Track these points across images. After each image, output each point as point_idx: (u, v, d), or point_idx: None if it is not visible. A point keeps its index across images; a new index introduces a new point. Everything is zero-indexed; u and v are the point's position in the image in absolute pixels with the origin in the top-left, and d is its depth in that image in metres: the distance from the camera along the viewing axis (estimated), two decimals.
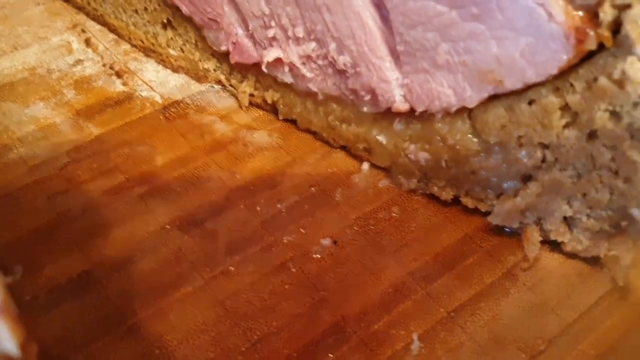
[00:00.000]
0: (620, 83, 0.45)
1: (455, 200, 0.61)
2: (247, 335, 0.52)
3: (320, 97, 0.63)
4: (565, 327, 0.53)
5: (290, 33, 0.60)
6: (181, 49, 0.74)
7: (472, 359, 0.51)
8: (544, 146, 0.52)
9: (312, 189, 0.64)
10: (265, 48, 0.63)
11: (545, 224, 0.56)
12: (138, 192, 0.63)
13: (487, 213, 0.59)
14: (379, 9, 0.54)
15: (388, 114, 0.60)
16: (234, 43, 0.66)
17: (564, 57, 0.46)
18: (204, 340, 0.52)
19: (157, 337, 0.52)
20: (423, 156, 0.59)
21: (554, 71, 0.47)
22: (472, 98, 0.52)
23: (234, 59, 0.67)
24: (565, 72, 0.48)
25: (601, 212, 0.53)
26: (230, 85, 0.72)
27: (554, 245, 0.58)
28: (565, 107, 0.49)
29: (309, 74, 0.62)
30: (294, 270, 0.57)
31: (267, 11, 0.60)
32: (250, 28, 0.63)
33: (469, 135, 0.55)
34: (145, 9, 0.75)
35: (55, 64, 0.77)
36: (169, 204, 0.62)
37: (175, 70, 0.76)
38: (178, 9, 0.69)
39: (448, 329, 0.53)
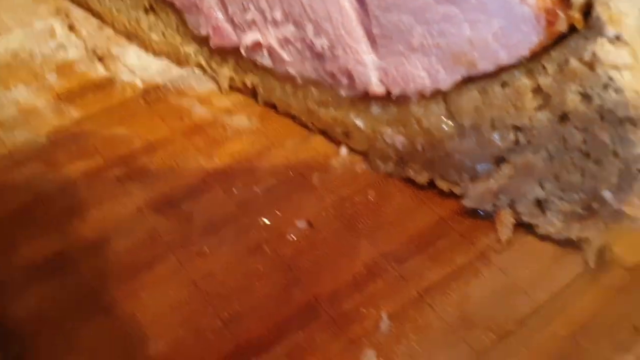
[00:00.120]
0: (591, 65, 0.46)
1: (431, 184, 0.62)
2: (219, 315, 0.53)
3: (299, 80, 0.64)
4: (536, 308, 0.54)
5: (268, 16, 0.60)
6: (163, 33, 0.75)
7: (440, 337, 0.52)
8: (517, 128, 0.53)
9: (290, 172, 0.64)
10: (244, 31, 0.64)
11: (518, 206, 0.57)
12: (116, 174, 0.63)
13: (462, 196, 0.59)
14: None
15: (365, 98, 0.60)
16: (213, 27, 0.66)
17: (535, 39, 0.46)
18: (176, 319, 0.52)
19: (129, 315, 0.53)
20: (399, 140, 0.60)
21: (526, 53, 0.48)
22: (446, 81, 0.53)
23: (214, 42, 0.67)
24: (538, 55, 0.48)
25: (573, 194, 0.54)
26: (211, 69, 0.72)
27: (528, 228, 0.58)
28: (537, 90, 0.50)
29: (287, 58, 0.62)
30: (268, 251, 0.57)
31: None
32: (229, 12, 0.63)
33: (444, 118, 0.56)
34: None
35: (38, 49, 0.78)
36: (146, 186, 0.62)
37: (157, 54, 0.76)
38: None
39: (418, 309, 0.53)
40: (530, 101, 0.50)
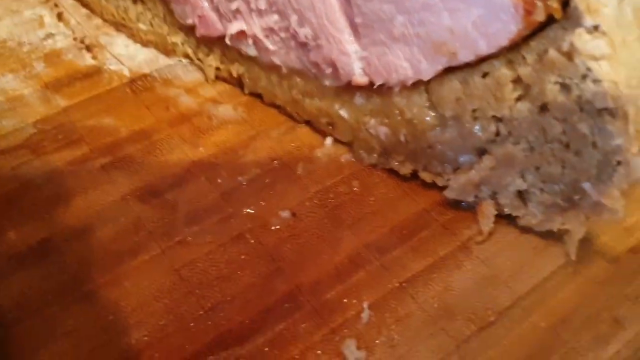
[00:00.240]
0: (569, 55, 0.46)
1: (414, 175, 0.62)
2: (201, 303, 0.53)
3: (284, 70, 0.64)
4: (517, 300, 0.54)
5: (252, 5, 0.60)
6: (150, 23, 0.75)
7: (421, 327, 0.52)
8: (498, 119, 0.53)
9: (275, 162, 0.64)
10: (229, 21, 0.64)
11: (500, 198, 0.57)
12: (101, 163, 0.63)
13: (445, 187, 0.59)
14: None
15: (349, 88, 0.60)
16: (199, 16, 0.66)
17: (513, 28, 0.46)
18: (158, 307, 0.53)
19: (112, 303, 0.53)
20: (383, 130, 0.60)
21: (505, 43, 0.48)
22: (427, 70, 0.53)
23: (200, 32, 0.67)
24: (518, 45, 0.48)
25: (554, 185, 0.54)
26: (198, 59, 0.72)
27: (509, 219, 0.58)
28: (517, 80, 0.50)
29: (272, 47, 0.62)
30: (251, 241, 0.57)
31: None
32: (214, 1, 0.63)
33: (426, 109, 0.56)
34: None
35: (26, 37, 0.78)
36: (131, 174, 0.62)
37: (144, 44, 0.76)
38: None
39: (399, 299, 0.54)
40: (511, 92, 0.50)
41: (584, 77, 0.46)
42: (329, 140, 0.66)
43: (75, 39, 0.77)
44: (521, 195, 0.56)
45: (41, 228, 0.58)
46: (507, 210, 0.57)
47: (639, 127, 0.50)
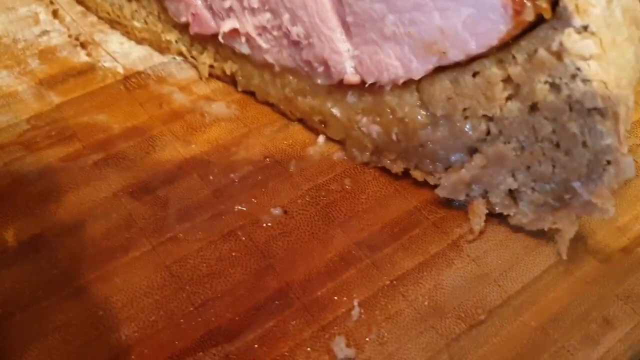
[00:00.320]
0: (558, 55, 0.46)
1: (406, 174, 0.62)
2: (191, 299, 0.53)
3: (277, 68, 0.64)
4: (507, 298, 0.54)
5: (245, 4, 0.60)
6: (145, 20, 0.75)
7: (411, 325, 0.52)
8: (488, 118, 0.53)
9: (267, 160, 0.64)
10: (222, 19, 0.64)
11: (491, 196, 0.57)
12: (93, 159, 0.64)
13: (436, 186, 0.60)
14: None
15: (341, 87, 0.60)
16: (193, 14, 0.66)
17: (503, 27, 0.47)
18: (148, 303, 0.53)
19: (102, 298, 0.53)
20: (375, 129, 0.60)
21: (494, 42, 0.48)
22: (418, 70, 0.53)
23: (193, 30, 0.68)
24: (508, 44, 0.49)
25: (545, 185, 0.54)
26: (191, 57, 0.73)
27: (501, 218, 0.58)
28: (507, 80, 0.50)
29: (265, 45, 0.62)
30: (242, 238, 0.58)
31: None
32: None
33: (417, 108, 0.56)
34: None
35: (21, 34, 0.78)
36: (123, 171, 0.62)
37: (139, 42, 0.76)
38: None
39: (389, 297, 0.54)
40: (501, 91, 0.50)
41: (574, 76, 0.46)
42: (321, 138, 0.66)
43: (70, 36, 0.77)
44: (512, 194, 0.56)
45: (33, 224, 0.58)
46: (498, 209, 0.57)
47: (629, 127, 0.50)
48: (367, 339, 0.51)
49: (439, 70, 0.52)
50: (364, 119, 0.60)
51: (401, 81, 0.55)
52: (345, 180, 0.63)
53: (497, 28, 0.47)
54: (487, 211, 0.58)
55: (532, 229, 0.57)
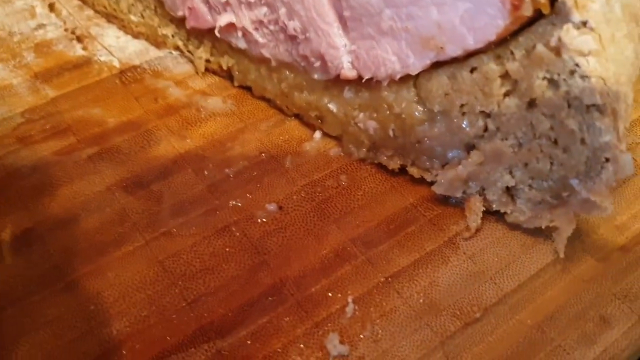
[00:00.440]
0: (557, 50, 0.46)
1: (403, 170, 0.61)
2: (184, 295, 0.53)
3: (274, 63, 0.63)
4: (503, 297, 0.54)
5: None
6: (141, 14, 0.74)
7: (405, 323, 0.52)
8: (486, 115, 0.52)
9: (262, 155, 0.64)
10: (219, 13, 0.63)
11: (488, 194, 0.57)
12: (88, 153, 0.63)
13: (433, 183, 0.59)
14: None
15: (338, 82, 0.60)
16: (189, 8, 0.66)
17: (500, 22, 0.46)
18: (140, 298, 0.52)
19: (94, 293, 0.52)
20: (371, 125, 0.59)
21: (492, 37, 0.47)
22: (415, 65, 0.52)
23: (190, 24, 0.67)
24: (506, 40, 0.48)
25: (542, 182, 0.53)
26: (188, 51, 0.72)
27: (498, 216, 0.58)
28: (505, 75, 0.50)
29: (261, 40, 0.62)
30: (237, 233, 0.57)
31: None
32: None
33: (414, 104, 0.55)
34: None
35: (17, 27, 0.77)
36: (117, 165, 0.62)
37: (135, 36, 0.76)
38: None
39: (384, 294, 0.53)
40: (499, 87, 0.50)
41: (572, 72, 0.46)
42: (317, 134, 0.65)
43: (66, 29, 0.77)
44: (509, 191, 0.56)
45: (26, 218, 0.57)
46: (495, 207, 0.57)
47: (628, 124, 0.50)
48: (361, 336, 0.51)
49: (437, 65, 0.52)
50: (361, 115, 0.60)
51: (398, 76, 0.54)
52: (342, 176, 0.62)
53: (495, 23, 0.46)
54: (483, 208, 0.57)
55: (529, 226, 0.57)
